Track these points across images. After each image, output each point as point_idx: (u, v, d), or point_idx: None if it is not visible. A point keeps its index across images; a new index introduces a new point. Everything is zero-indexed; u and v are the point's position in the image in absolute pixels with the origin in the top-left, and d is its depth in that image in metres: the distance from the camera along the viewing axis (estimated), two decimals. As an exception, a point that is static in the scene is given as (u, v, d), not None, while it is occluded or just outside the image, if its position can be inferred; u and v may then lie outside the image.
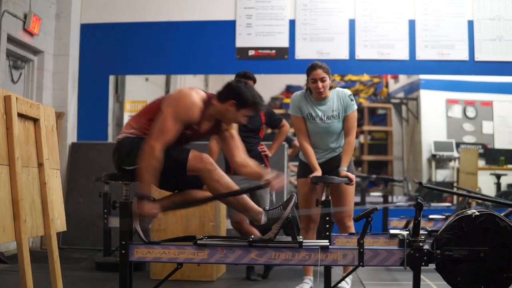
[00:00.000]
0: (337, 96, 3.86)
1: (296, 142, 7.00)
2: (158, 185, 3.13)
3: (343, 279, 3.36)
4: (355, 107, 3.87)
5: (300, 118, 3.90)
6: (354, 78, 8.07)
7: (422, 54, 6.40)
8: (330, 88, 3.89)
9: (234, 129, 3.13)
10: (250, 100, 2.94)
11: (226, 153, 3.16)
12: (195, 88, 2.99)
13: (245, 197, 2.94)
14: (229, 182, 2.90)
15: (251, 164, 3.08)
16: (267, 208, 2.94)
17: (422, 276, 2.90)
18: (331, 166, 3.87)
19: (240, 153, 3.10)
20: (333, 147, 3.89)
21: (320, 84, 3.78)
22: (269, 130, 5.85)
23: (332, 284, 3.33)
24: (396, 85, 8.43)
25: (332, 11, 6.48)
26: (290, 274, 4.64)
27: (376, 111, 8.46)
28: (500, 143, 7.75)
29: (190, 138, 3.01)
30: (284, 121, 4.70)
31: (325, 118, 3.83)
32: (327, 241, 2.95)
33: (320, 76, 3.79)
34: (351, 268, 3.19)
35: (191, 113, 2.86)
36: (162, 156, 2.79)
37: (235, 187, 2.92)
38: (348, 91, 3.90)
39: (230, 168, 4.49)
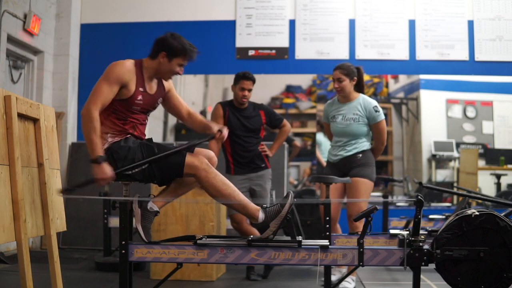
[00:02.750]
0: (362, 103, 4.11)
1: (296, 142, 7.02)
2: (159, 184, 3.13)
3: (343, 278, 3.36)
4: (382, 117, 4.12)
5: (327, 124, 4.28)
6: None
7: (422, 54, 6.40)
8: (360, 91, 4.16)
9: (173, 89, 3.24)
10: (179, 47, 3.03)
11: (172, 112, 3.29)
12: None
13: (243, 196, 2.95)
14: (224, 179, 2.91)
15: (198, 114, 3.27)
16: (265, 206, 2.93)
17: (422, 276, 2.90)
18: (346, 166, 4.10)
19: (185, 107, 3.26)
20: (348, 149, 4.12)
21: (336, 84, 4.09)
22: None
23: (332, 284, 3.33)
24: (396, 85, 8.42)
25: (332, 11, 6.48)
26: (290, 274, 4.64)
27: (376, 111, 8.45)
28: (500, 143, 7.74)
29: (145, 104, 3.04)
30: (285, 121, 4.70)
31: (345, 119, 4.09)
32: (327, 241, 2.95)
33: (337, 76, 4.08)
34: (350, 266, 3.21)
35: (120, 71, 2.95)
36: (98, 115, 2.86)
37: (231, 185, 2.92)
38: (373, 102, 4.13)
39: (230, 168, 4.49)
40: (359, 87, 4.18)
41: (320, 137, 5.58)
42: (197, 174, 2.88)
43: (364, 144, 4.14)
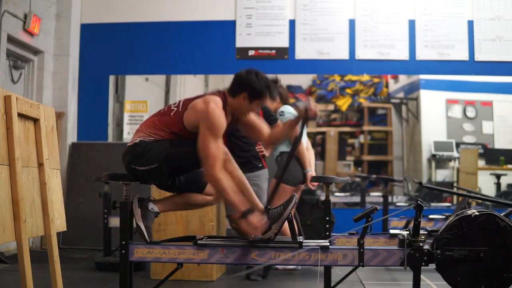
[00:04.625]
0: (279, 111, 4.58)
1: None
2: (158, 186, 3.14)
3: (343, 279, 3.36)
4: (281, 119, 4.37)
5: None
6: (354, 78, 8.07)
7: (422, 54, 6.40)
8: (285, 103, 4.69)
9: (252, 116, 3.12)
10: (263, 91, 2.91)
11: (254, 137, 3.23)
12: (209, 98, 2.92)
13: (250, 198, 2.96)
14: (241, 175, 2.98)
15: (277, 129, 3.20)
16: (268, 207, 2.94)
17: (422, 276, 2.90)
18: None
19: (265, 129, 3.15)
20: (275, 153, 4.73)
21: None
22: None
23: (332, 284, 3.33)
24: (396, 85, 8.42)
25: (332, 11, 6.48)
26: (290, 274, 4.64)
27: (376, 111, 8.46)
28: (500, 143, 7.75)
29: None
30: (279, 122, 4.69)
31: None
32: (327, 241, 2.95)
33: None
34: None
35: (223, 126, 2.86)
36: (226, 175, 2.81)
37: (246, 183, 2.94)
38: (283, 108, 4.60)
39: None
40: (283, 100, 4.66)
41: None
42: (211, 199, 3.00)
43: (281, 147, 4.61)
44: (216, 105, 2.85)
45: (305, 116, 3.02)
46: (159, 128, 2.96)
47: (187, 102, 2.96)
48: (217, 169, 2.77)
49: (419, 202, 2.76)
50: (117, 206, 2.92)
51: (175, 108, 2.97)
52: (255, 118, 3.14)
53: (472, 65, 6.37)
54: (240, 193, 2.88)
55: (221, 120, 2.83)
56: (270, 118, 4.64)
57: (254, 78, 2.90)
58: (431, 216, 5.10)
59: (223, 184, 2.77)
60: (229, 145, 4.42)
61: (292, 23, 6.50)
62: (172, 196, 3.12)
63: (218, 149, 2.79)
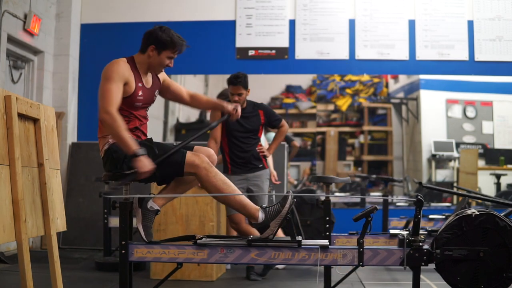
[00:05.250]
0: None
1: (295, 142, 7.02)
2: (158, 183, 3.13)
3: (343, 279, 3.35)
4: None
5: None
6: (354, 78, 8.06)
7: (422, 54, 6.40)
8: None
9: (167, 78, 3.26)
10: (167, 40, 3.05)
11: (174, 99, 3.33)
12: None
13: (243, 196, 2.95)
14: (224, 178, 2.91)
15: (201, 94, 3.31)
16: (265, 206, 2.93)
17: (422, 276, 2.90)
18: None
19: (184, 90, 3.29)
20: None
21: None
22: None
23: (332, 284, 3.33)
24: (396, 85, 8.42)
25: (332, 11, 6.48)
26: (290, 274, 4.64)
27: (376, 111, 8.45)
28: (500, 143, 7.74)
29: (145, 99, 3.07)
30: (284, 121, 4.69)
31: None
32: (327, 241, 2.95)
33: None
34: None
35: (119, 68, 2.96)
36: (117, 113, 2.85)
37: (231, 184, 2.92)
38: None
39: (228, 168, 4.49)
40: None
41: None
42: (198, 172, 2.88)
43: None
44: (112, 62, 3.01)
45: (229, 113, 3.22)
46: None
47: None
48: (111, 105, 2.85)
49: (419, 197, 2.75)
50: (117, 206, 2.92)
51: None
52: (175, 84, 3.28)
53: (472, 65, 6.38)
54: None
55: (115, 66, 2.96)
56: (274, 118, 4.64)
57: (157, 30, 3.08)
58: (431, 216, 5.10)
59: (116, 119, 2.82)
60: (229, 145, 4.46)
61: (292, 23, 6.50)
62: (166, 186, 3.12)
63: (115, 89, 2.89)
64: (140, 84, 3.03)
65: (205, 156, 2.91)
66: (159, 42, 3.05)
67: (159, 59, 3.07)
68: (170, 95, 3.30)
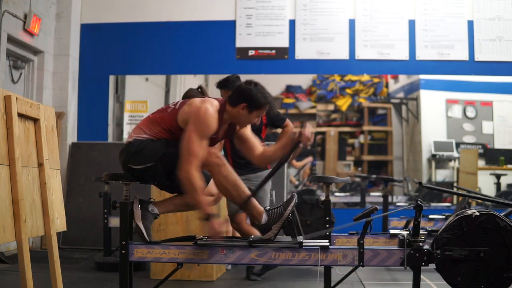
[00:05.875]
0: None
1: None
2: (158, 186, 3.14)
3: (343, 279, 3.35)
4: None
5: None
6: (354, 78, 8.06)
7: (422, 54, 6.40)
8: None
9: (246, 129, 3.14)
10: (262, 102, 2.95)
11: (245, 153, 3.21)
12: (208, 99, 2.95)
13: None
14: (236, 179, 2.92)
15: (269, 148, 3.15)
16: (268, 208, 2.94)
17: (422, 276, 2.90)
18: None
19: (258, 148, 3.14)
20: None
21: None
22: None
23: (332, 284, 3.33)
24: (396, 85, 8.41)
25: (332, 11, 6.48)
26: (290, 274, 4.64)
27: (376, 111, 8.45)
28: (500, 143, 7.74)
29: (214, 142, 3.04)
30: (288, 121, 4.68)
31: None
32: (327, 241, 2.95)
33: None
34: None
35: (212, 128, 2.87)
36: (200, 175, 2.79)
37: (242, 184, 2.93)
38: None
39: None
40: None
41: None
42: (210, 168, 2.88)
43: None
44: (211, 106, 2.87)
45: (297, 140, 3.01)
46: (154, 123, 2.98)
47: (186, 101, 2.98)
48: (193, 166, 2.77)
49: (418, 202, 2.76)
50: (117, 206, 2.92)
51: (173, 106, 3.01)
52: (251, 135, 3.16)
53: (472, 65, 6.38)
54: (208, 195, 2.95)
55: (211, 120, 2.84)
56: (277, 118, 4.63)
57: (254, 89, 2.95)
58: (431, 216, 5.10)
59: (195, 181, 2.76)
60: (231, 146, 4.45)
61: (292, 23, 6.50)
62: (171, 197, 3.12)
63: (200, 148, 2.79)
64: (214, 136, 2.96)
65: (218, 152, 2.92)
66: (253, 103, 2.94)
67: (249, 118, 2.97)
68: (243, 147, 3.20)
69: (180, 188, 3.06)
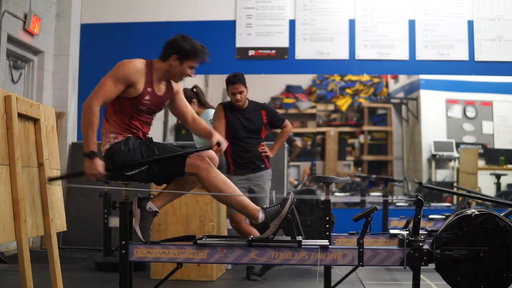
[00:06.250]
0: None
1: (297, 143, 7.01)
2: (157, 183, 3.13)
3: (343, 279, 3.36)
4: None
5: None
6: (354, 78, 8.07)
7: (422, 54, 6.40)
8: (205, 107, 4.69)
9: (181, 92, 3.24)
10: (190, 50, 3.02)
11: (177, 115, 3.28)
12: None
13: (243, 196, 2.96)
14: (225, 178, 2.91)
15: (202, 121, 3.25)
16: (265, 206, 2.94)
17: (422, 276, 2.90)
18: None
19: (190, 112, 3.25)
20: None
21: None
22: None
23: (332, 284, 3.33)
24: (396, 85, 8.42)
25: (332, 11, 6.48)
26: (290, 274, 4.64)
27: (376, 111, 8.45)
28: (500, 143, 7.74)
29: (152, 104, 3.03)
30: (287, 121, 4.69)
31: None
32: (327, 241, 2.95)
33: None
34: None
35: (128, 71, 2.95)
36: (98, 111, 2.86)
37: (232, 185, 2.93)
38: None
39: (230, 169, 4.49)
40: (202, 104, 4.72)
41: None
42: (199, 173, 2.88)
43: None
44: (126, 61, 3.00)
45: (209, 147, 3.06)
46: (112, 118, 3.00)
47: None
48: (98, 101, 2.86)
49: (419, 197, 2.75)
50: (117, 206, 2.92)
51: None
52: (185, 103, 3.24)
53: (472, 65, 6.38)
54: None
55: (127, 65, 2.96)
56: (277, 118, 4.64)
57: (180, 39, 3.06)
58: (431, 216, 5.10)
59: (93, 117, 2.83)
60: (231, 146, 4.45)
61: (292, 23, 6.50)
62: (165, 188, 3.11)
63: (111, 87, 2.90)
64: (149, 89, 2.99)
65: (206, 157, 2.92)
66: (182, 52, 3.02)
67: (181, 69, 3.03)
68: (176, 110, 3.25)
69: (165, 177, 3.04)
